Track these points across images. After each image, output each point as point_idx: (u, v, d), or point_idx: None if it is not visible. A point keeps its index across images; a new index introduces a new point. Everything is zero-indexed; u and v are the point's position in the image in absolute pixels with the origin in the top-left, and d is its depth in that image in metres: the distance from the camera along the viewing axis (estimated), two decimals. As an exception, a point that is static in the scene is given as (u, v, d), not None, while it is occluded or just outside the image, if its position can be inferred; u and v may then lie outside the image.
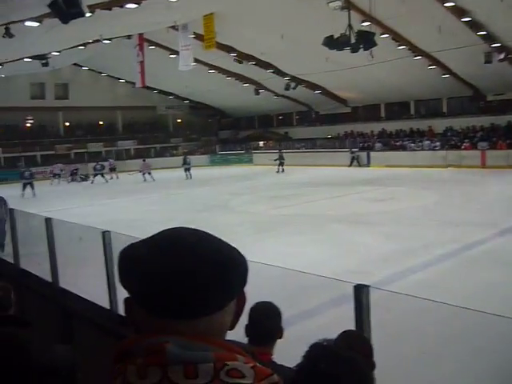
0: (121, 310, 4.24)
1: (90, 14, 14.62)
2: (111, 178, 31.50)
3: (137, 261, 0.84)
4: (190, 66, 24.22)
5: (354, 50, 17.39)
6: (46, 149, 38.54)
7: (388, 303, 3.57)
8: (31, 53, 23.70)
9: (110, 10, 16.72)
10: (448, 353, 4.91)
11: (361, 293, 2.43)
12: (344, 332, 2.10)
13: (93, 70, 39.32)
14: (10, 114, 37.34)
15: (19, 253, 6.69)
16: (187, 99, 44.22)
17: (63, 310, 5.15)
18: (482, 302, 5.70)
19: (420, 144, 30.41)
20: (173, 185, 25.97)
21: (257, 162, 37.22)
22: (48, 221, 5.65)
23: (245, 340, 2.29)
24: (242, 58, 29.94)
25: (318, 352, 1.12)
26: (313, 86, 34.11)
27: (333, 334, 1.76)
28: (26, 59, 24.91)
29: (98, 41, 23.66)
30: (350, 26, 17.26)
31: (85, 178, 32.05)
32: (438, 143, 29.56)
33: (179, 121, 47.38)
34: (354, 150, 32.57)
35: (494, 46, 23.37)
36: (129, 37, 25.62)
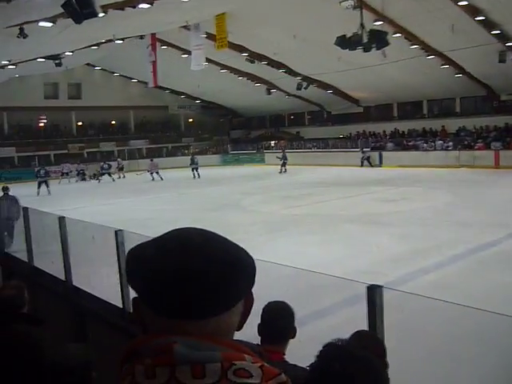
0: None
1: (102, 14, 14.70)
2: (118, 178, 31.86)
3: (144, 261, 0.84)
4: (202, 66, 24.25)
5: (367, 49, 17.31)
6: (59, 148, 38.87)
7: (401, 303, 3.55)
8: (45, 53, 23.87)
9: (123, 10, 16.78)
10: (460, 353, 4.88)
11: (374, 293, 2.42)
12: (357, 332, 2.09)
13: (105, 70, 39.59)
14: (23, 114, 37.73)
15: (33, 251, 6.75)
16: (199, 99, 44.31)
17: (76, 309, 5.18)
18: (494, 303, 5.65)
19: (432, 144, 30.19)
20: (183, 184, 26.06)
21: (268, 161, 37.18)
22: (61, 219, 5.69)
23: (257, 339, 2.29)
24: (254, 57, 29.94)
25: (333, 352, 1.12)
26: (325, 86, 34.01)
27: (345, 334, 1.76)
28: (39, 59, 25.08)
29: (110, 41, 23.78)
30: (362, 25, 17.19)
31: (92, 177, 32.38)
32: (450, 143, 29.33)
33: (191, 120, 47.50)
34: (365, 149, 32.43)
35: (508, 45, 23.14)
36: (141, 37, 25.70)
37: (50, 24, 16.38)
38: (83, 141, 40.52)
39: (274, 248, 9.59)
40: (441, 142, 29.86)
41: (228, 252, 0.86)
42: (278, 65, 31.14)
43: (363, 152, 32.01)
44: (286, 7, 21.54)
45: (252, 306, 0.92)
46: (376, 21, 20.24)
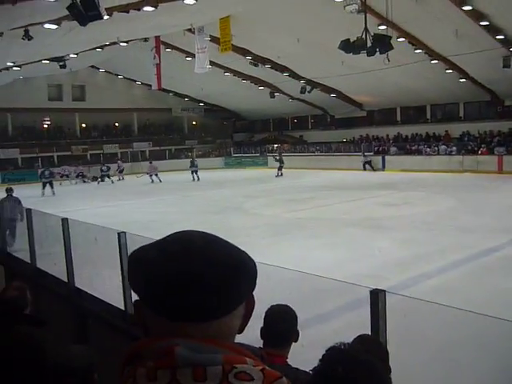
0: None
1: (107, 17, 14.72)
2: (118, 180, 32.03)
3: (146, 263, 0.84)
4: (206, 69, 24.32)
5: (371, 53, 17.28)
6: (63, 150, 38.93)
7: (403, 308, 3.54)
8: (49, 55, 23.97)
9: (128, 12, 16.83)
10: (463, 359, 4.86)
11: (377, 298, 2.42)
12: (359, 336, 2.09)
13: (109, 72, 39.70)
14: (27, 115, 37.82)
15: (36, 252, 6.76)
16: (203, 101, 44.37)
17: (78, 310, 5.19)
18: (497, 308, 5.63)
19: (436, 149, 30.17)
20: (186, 187, 26.09)
21: (271, 165, 37.10)
22: (64, 221, 5.70)
23: (260, 342, 2.29)
24: (258, 61, 29.97)
25: (336, 355, 1.12)
26: (328, 90, 34.02)
27: (348, 338, 1.75)
28: (44, 61, 25.18)
29: (115, 43, 23.84)
30: (366, 29, 17.17)
31: (94, 179, 32.58)
32: (454, 148, 29.31)
33: (194, 123, 47.56)
34: (366, 154, 32.43)
35: (512, 50, 23.13)
36: (145, 39, 25.79)
37: (55, 26, 16.45)
38: (87, 143, 40.60)
39: (277, 251, 9.58)
40: (444, 146, 29.83)
41: (230, 255, 0.86)
42: (281, 68, 31.18)
43: (364, 156, 32.02)
44: (290, 11, 21.57)
45: (253, 308, 0.92)
46: (380, 25, 20.24)
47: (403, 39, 22.80)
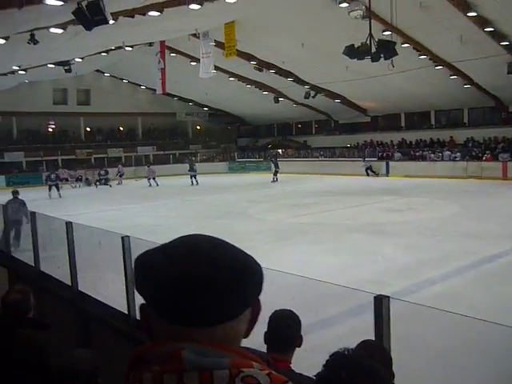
0: (138, 315, 4.26)
1: (112, 22, 14.79)
2: (118, 184, 32.36)
3: (152, 267, 0.84)
4: (211, 74, 24.38)
5: (375, 59, 17.28)
6: (67, 153, 39.10)
7: (407, 314, 3.53)
8: (55, 59, 24.06)
9: (133, 17, 16.91)
10: (466, 365, 4.84)
11: (381, 303, 2.41)
12: (363, 342, 2.09)
13: (114, 77, 39.82)
14: (32, 119, 37.99)
15: (39, 255, 6.77)
16: (207, 106, 44.45)
17: (81, 314, 5.19)
18: (501, 315, 5.61)
19: (440, 154, 30.12)
20: (188, 191, 26.13)
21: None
22: (68, 225, 5.72)
23: (263, 347, 2.28)
24: (262, 66, 30.02)
25: (339, 361, 1.12)
26: (332, 95, 34.04)
27: (352, 344, 1.75)
28: (49, 65, 25.29)
29: (120, 48, 23.94)
30: (370, 35, 17.18)
31: (91, 183, 32.99)
32: (458, 154, 29.26)
33: (198, 127, 47.64)
34: (366, 159, 32.40)
35: (517, 56, 23.11)
36: (150, 44, 25.89)
37: (60, 30, 16.54)
38: (91, 146, 40.73)
39: (280, 256, 9.57)
40: (448, 152, 29.78)
41: (236, 259, 0.86)
42: (286, 73, 31.21)
43: (364, 161, 32.01)
44: (295, 16, 21.62)
45: (259, 313, 0.91)
46: (384, 31, 20.27)
47: (408, 45, 22.81)
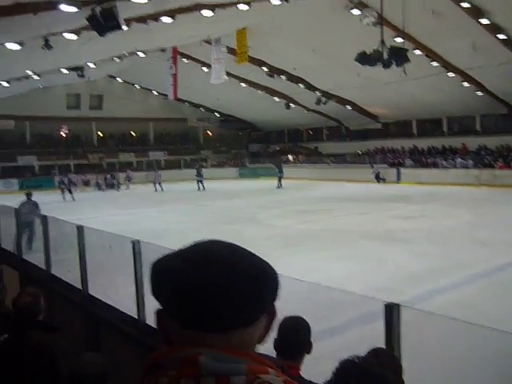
0: (148, 320, 4.26)
1: (126, 28, 14.92)
2: (126, 188, 32.84)
3: (170, 273, 0.84)
4: (222, 80, 24.46)
5: (387, 65, 17.26)
6: (80, 158, 39.43)
7: (417, 322, 3.50)
8: (68, 64, 24.29)
9: (146, 23, 17.05)
10: (477, 374, 4.78)
11: (391, 311, 2.40)
12: (373, 349, 2.07)
13: (127, 82, 40.15)
14: (45, 124, 38.37)
15: (51, 258, 6.81)
16: (218, 112, 44.63)
17: (91, 317, 5.20)
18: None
19: (452, 162, 29.94)
20: (198, 196, 26.20)
21: (286, 175, 37.17)
22: (80, 228, 5.74)
23: (273, 353, 2.27)
24: (274, 72, 30.10)
25: (349, 368, 1.11)
26: (344, 102, 34.02)
27: (361, 352, 1.74)
28: (63, 70, 25.52)
29: (132, 53, 24.12)
30: (382, 41, 17.16)
31: (101, 187, 33.47)
32: (470, 161, 29.06)
33: (210, 133, 47.81)
34: (375, 165, 32.30)
35: (530, 63, 22.95)
36: (163, 50, 26.05)
37: (74, 36, 16.68)
38: (103, 151, 41.02)
39: (290, 262, 9.52)
40: (461, 159, 29.59)
41: (254, 265, 0.86)
42: (297, 80, 31.26)
43: (373, 167, 31.91)
44: (306, 23, 21.66)
45: (274, 319, 0.91)
46: (396, 37, 20.24)
47: (419, 52, 22.75)
